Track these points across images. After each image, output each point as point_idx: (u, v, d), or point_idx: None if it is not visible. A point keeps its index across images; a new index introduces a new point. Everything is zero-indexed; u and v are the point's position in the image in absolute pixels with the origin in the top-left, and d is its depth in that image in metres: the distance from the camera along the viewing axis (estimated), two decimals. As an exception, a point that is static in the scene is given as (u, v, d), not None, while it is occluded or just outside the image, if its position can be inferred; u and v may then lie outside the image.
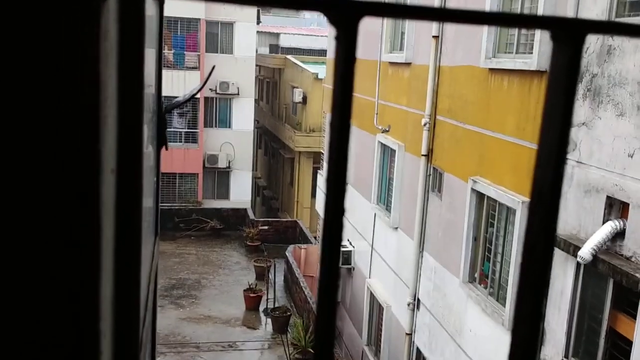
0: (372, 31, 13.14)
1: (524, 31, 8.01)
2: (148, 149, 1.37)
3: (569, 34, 0.44)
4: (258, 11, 26.24)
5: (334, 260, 0.43)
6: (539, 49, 7.28)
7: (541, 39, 7.27)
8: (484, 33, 8.56)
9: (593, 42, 6.38)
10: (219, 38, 25.33)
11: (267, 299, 16.84)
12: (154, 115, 1.62)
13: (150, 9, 1.50)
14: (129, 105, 0.81)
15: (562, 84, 0.44)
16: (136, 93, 0.89)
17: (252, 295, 16.99)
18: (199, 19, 24.35)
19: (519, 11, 8.05)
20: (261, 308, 17.01)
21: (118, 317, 0.82)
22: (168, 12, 23.45)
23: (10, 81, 0.51)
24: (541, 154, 0.45)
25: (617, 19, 6.20)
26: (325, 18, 0.41)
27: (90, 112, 0.54)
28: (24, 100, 0.52)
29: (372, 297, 13.05)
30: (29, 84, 0.52)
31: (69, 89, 0.53)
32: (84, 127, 0.54)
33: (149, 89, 1.46)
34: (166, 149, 1.79)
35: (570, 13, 6.73)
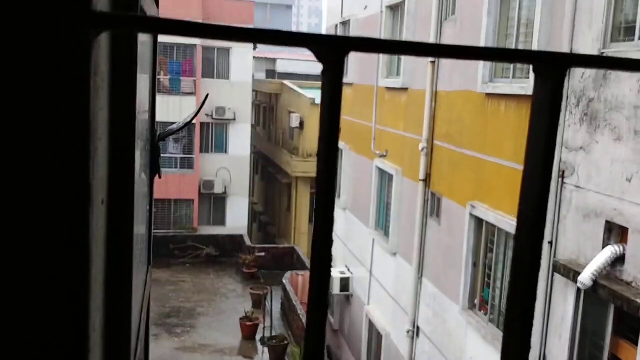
0: (368, 56, 13.22)
1: (520, 56, 8.04)
2: (141, 177, 1.34)
3: (550, 68, 0.45)
4: (255, 38, 26.43)
5: (323, 292, 0.45)
6: (536, 74, 7.30)
7: (537, 64, 7.30)
8: (480, 58, 8.60)
9: (589, 67, 6.39)
10: (215, 63, 25.50)
11: (263, 328, 16.62)
12: (148, 144, 1.60)
13: (144, 36, 1.49)
14: (121, 136, 0.82)
15: (545, 116, 0.46)
16: (128, 124, 0.89)
17: (248, 323, 16.76)
18: (195, 45, 24.53)
19: (515, 36, 8.10)
20: (258, 337, 16.77)
21: (108, 348, 0.80)
22: (164, 38, 23.62)
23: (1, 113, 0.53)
24: (526, 186, 0.48)
25: (613, 44, 6.23)
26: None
27: (80, 145, 0.55)
28: (14, 132, 0.53)
29: (371, 324, 12.89)
30: (20, 116, 0.53)
31: (59, 122, 0.54)
32: (73, 159, 0.55)
33: (143, 116, 1.43)
34: (159, 177, 1.75)
35: (565, 38, 6.77)
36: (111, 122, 0.74)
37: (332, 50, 0.41)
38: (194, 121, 24.90)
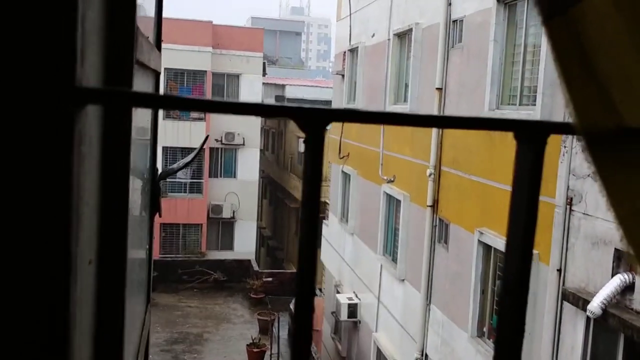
0: (376, 82, 13.32)
1: (526, 83, 8.08)
2: (141, 216, 1.35)
3: (531, 136, 0.47)
4: (264, 63, 26.72)
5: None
6: (542, 101, 7.33)
7: (544, 91, 7.32)
8: (487, 85, 8.65)
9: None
10: (225, 89, 25.73)
11: (271, 354, 16.48)
12: (148, 184, 1.61)
13: (147, 84, 1.50)
14: (113, 194, 0.82)
15: (527, 182, 0.46)
16: (121, 184, 0.89)
17: (255, 350, 16.63)
18: (206, 71, 24.79)
19: (521, 63, 8.14)
20: (265, 363, 16.63)
21: None
22: (174, 64, 23.81)
23: None
24: (508, 249, 0.49)
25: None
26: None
27: (60, 215, 0.53)
28: None
29: (379, 351, 12.76)
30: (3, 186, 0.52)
31: (41, 192, 0.52)
32: (54, 227, 0.53)
33: (142, 155, 1.44)
34: (159, 216, 1.77)
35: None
36: (102, 182, 0.74)
37: (313, 121, 0.44)
38: (203, 146, 25.00)
